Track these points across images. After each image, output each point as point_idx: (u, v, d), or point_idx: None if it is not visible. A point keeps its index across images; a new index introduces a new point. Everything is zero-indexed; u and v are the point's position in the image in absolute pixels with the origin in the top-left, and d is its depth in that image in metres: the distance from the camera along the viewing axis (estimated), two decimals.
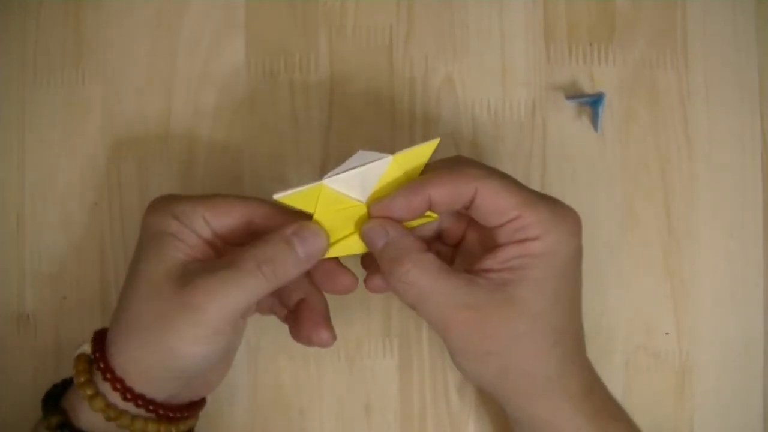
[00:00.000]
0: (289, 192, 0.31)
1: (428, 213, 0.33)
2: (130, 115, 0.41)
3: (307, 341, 0.35)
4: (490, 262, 0.32)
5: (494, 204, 0.32)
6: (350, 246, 0.34)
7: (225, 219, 0.33)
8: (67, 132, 0.41)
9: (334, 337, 0.35)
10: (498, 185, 0.32)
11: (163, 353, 0.31)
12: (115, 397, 0.32)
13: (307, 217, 0.32)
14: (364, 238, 0.33)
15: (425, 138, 0.41)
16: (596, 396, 0.34)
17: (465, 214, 0.34)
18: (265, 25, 0.41)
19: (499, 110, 0.41)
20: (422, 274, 0.32)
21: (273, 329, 0.41)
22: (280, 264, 0.31)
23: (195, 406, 0.35)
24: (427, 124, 0.41)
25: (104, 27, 0.41)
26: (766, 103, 0.42)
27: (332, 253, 0.33)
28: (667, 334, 0.41)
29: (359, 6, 0.41)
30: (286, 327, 0.41)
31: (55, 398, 0.34)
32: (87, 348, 0.34)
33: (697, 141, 0.41)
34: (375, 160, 0.31)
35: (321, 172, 0.41)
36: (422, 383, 0.41)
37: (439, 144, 0.32)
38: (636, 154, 0.41)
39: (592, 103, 0.41)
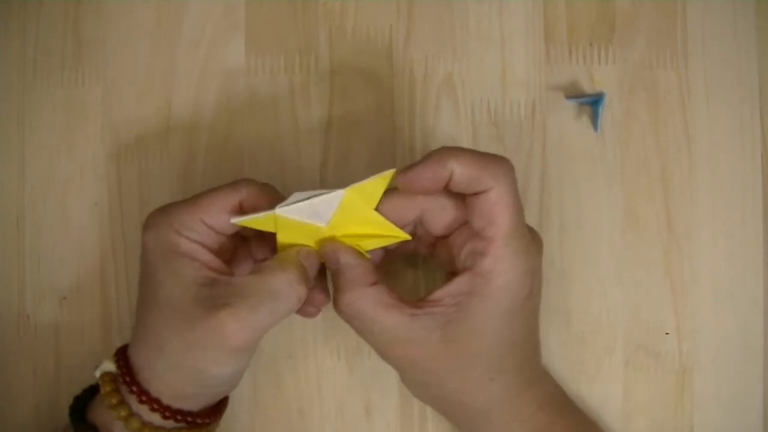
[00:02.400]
0: (247, 218, 0.32)
1: (398, 233, 0.34)
2: (130, 115, 0.41)
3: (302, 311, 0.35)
4: (440, 294, 0.33)
5: (489, 212, 0.31)
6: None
7: (221, 215, 0.33)
8: (67, 132, 0.41)
9: (328, 298, 0.36)
10: (506, 200, 0.31)
11: (196, 375, 0.32)
12: (150, 415, 0.32)
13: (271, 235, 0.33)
14: (321, 256, 0.34)
15: (425, 138, 0.41)
16: (546, 412, 0.34)
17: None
18: (265, 25, 0.41)
19: (499, 110, 0.41)
20: (365, 308, 0.32)
21: (273, 329, 0.41)
22: (305, 287, 0.32)
23: (221, 407, 0.36)
24: (427, 124, 0.41)
25: (104, 27, 0.41)
26: (766, 103, 0.41)
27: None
28: (667, 334, 0.41)
29: (359, 6, 0.41)
30: (286, 327, 0.41)
31: (81, 411, 0.34)
32: (109, 366, 0.34)
33: (697, 141, 0.41)
34: (326, 193, 0.32)
35: (321, 172, 0.41)
36: None
37: (394, 174, 0.32)
38: (636, 154, 0.41)
39: (592, 103, 0.41)
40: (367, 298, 0.32)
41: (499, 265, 0.31)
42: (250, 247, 0.37)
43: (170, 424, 0.33)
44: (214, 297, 0.31)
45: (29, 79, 0.41)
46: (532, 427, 0.34)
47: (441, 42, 0.41)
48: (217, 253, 0.34)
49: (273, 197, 0.34)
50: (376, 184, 0.32)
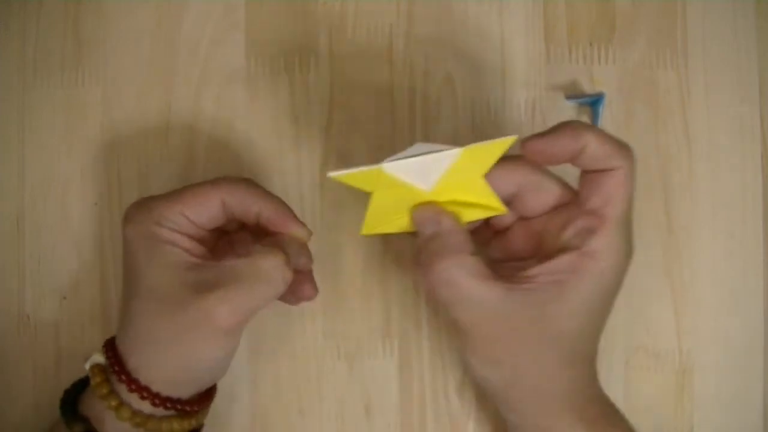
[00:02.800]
0: (347, 171, 0.30)
1: (498, 205, 0.32)
2: (130, 115, 0.41)
3: (292, 299, 0.36)
4: (539, 270, 0.32)
5: (610, 192, 0.31)
6: (397, 223, 0.33)
7: (202, 209, 0.34)
8: (67, 132, 0.41)
9: (317, 291, 0.36)
10: (629, 186, 0.32)
11: (185, 360, 0.32)
12: (140, 404, 0.32)
13: (364, 194, 0.31)
14: (415, 218, 0.32)
15: (425, 138, 0.41)
16: (597, 405, 0.34)
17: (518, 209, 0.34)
18: (265, 25, 0.41)
19: (499, 110, 0.41)
20: (461, 276, 0.31)
21: (273, 329, 0.41)
22: (291, 271, 0.32)
23: (210, 394, 0.36)
24: (427, 124, 0.41)
25: (104, 27, 0.41)
26: (766, 103, 0.41)
27: (379, 229, 0.33)
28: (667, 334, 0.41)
29: (359, 6, 0.41)
30: (286, 327, 0.41)
31: (72, 404, 0.34)
32: (98, 358, 0.34)
33: (697, 141, 0.41)
34: (439, 151, 0.30)
35: (321, 172, 0.41)
36: (422, 383, 0.41)
37: (514, 142, 0.30)
38: (636, 154, 0.41)
39: (592, 103, 0.41)
40: (465, 267, 0.31)
41: (610, 245, 0.31)
42: (231, 242, 0.37)
43: (160, 411, 0.33)
44: (201, 280, 0.32)
45: (29, 79, 0.41)
46: (592, 413, 0.33)
47: (441, 42, 0.41)
48: (198, 244, 0.34)
49: (255, 191, 0.34)
50: (494, 148, 0.30)
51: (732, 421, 0.41)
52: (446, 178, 0.31)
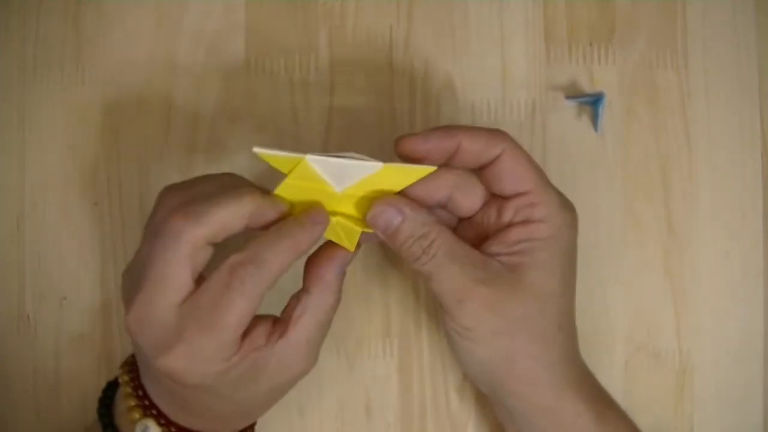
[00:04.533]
0: (271, 151, 0.30)
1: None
2: (130, 115, 0.41)
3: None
4: (497, 246, 0.33)
5: (513, 171, 0.33)
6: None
7: (222, 232, 0.31)
8: (67, 132, 0.41)
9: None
10: (523, 157, 0.33)
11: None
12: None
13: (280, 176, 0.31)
14: (375, 220, 0.33)
15: None
16: (589, 383, 0.35)
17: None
18: (265, 25, 0.41)
19: (499, 110, 0.41)
20: (444, 245, 0.32)
21: None
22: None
23: None
24: (427, 124, 0.41)
25: (104, 26, 0.41)
26: (766, 103, 0.42)
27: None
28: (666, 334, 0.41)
29: (359, 6, 0.41)
30: None
31: (107, 410, 0.35)
32: (124, 379, 0.34)
33: (697, 141, 0.41)
34: (364, 161, 0.31)
35: None
36: (422, 383, 0.41)
37: (433, 172, 0.32)
38: (636, 154, 0.41)
39: (592, 103, 0.41)
40: (445, 236, 0.33)
41: (551, 208, 0.33)
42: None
43: None
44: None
45: (29, 79, 0.41)
46: (588, 391, 0.34)
47: (441, 42, 0.41)
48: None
49: (279, 210, 0.32)
50: (412, 172, 0.32)
51: (732, 421, 0.41)
52: (358, 185, 0.32)
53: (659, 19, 0.42)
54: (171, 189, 0.33)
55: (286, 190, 0.32)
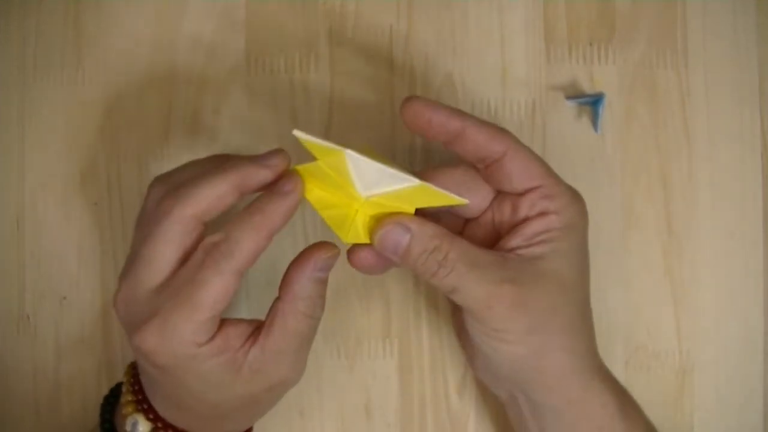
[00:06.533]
0: (313, 139, 0.30)
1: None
2: (130, 114, 0.41)
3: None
4: (516, 240, 0.33)
5: (523, 167, 0.33)
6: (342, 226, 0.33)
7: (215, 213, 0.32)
8: (67, 132, 0.41)
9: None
10: (529, 153, 0.33)
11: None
12: None
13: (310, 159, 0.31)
14: (383, 242, 0.32)
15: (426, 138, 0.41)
16: (610, 374, 0.35)
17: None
18: (265, 25, 0.41)
19: (499, 110, 0.41)
20: (460, 255, 0.32)
21: None
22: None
23: None
24: None
25: (104, 26, 0.41)
26: (766, 103, 0.41)
27: (327, 217, 0.32)
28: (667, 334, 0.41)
29: (359, 6, 0.41)
30: None
31: (109, 415, 0.35)
32: (126, 376, 0.35)
33: (697, 141, 0.41)
34: (404, 175, 0.31)
35: None
36: (422, 383, 0.41)
37: (464, 205, 0.32)
38: (636, 154, 0.41)
39: (592, 103, 0.41)
40: (460, 246, 0.32)
41: (565, 198, 0.33)
42: None
43: None
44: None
45: (29, 79, 0.41)
46: (612, 383, 0.34)
47: (441, 41, 0.41)
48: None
49: (273, 168, 0.32)
50: (443, 197, 0.31)
51: (732, 421, 0.41)
52: (386, 195, 0.31)
53: (659, 19, 0.42)
54: (159, 179, 0.33)
55: (309, 170, 0.31)
